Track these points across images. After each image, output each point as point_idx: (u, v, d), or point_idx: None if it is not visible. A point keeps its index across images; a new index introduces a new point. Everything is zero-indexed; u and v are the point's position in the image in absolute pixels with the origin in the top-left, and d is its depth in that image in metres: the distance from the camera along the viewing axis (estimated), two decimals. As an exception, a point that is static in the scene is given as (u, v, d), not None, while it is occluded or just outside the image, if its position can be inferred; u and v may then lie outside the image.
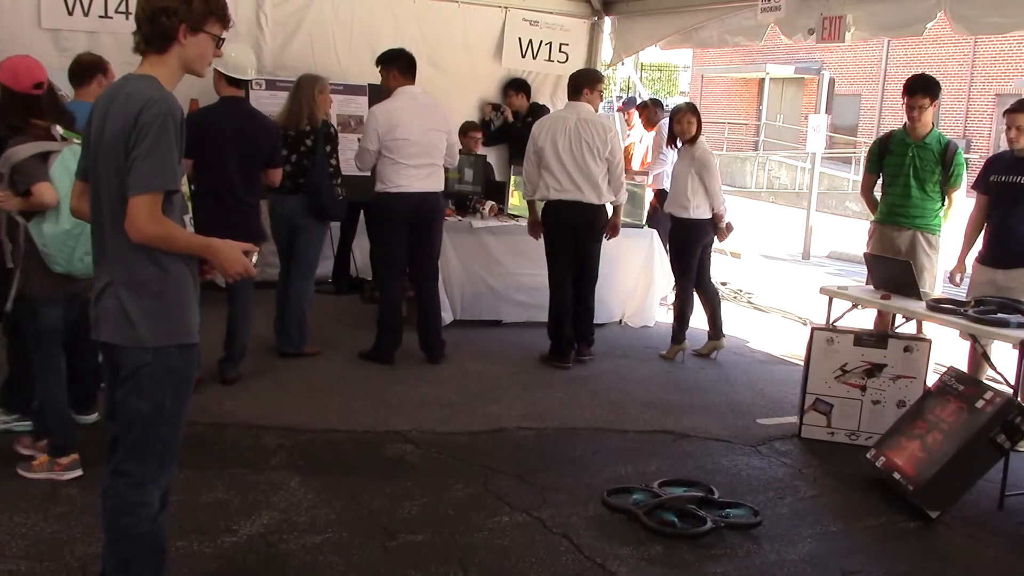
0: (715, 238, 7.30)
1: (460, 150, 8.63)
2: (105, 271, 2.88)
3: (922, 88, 6.09)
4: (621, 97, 13.92)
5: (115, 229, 2.81)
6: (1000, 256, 5.76)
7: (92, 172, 2.89)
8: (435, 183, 6.49)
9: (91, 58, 5.36)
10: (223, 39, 2.99)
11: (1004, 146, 5.89)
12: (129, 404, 2.88)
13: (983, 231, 5.93)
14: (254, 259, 3.00)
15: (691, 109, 7.27)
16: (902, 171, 6.20)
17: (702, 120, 7.20)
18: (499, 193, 8.39)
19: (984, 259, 5.86)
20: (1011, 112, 5.69)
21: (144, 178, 2.72)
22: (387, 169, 6.32)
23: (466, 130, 8.84)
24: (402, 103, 6.38)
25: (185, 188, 3.08)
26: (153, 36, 2.86)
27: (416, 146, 6.32)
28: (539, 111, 9.26)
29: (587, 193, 6.63)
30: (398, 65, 6.45)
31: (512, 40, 9.50)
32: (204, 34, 2.89)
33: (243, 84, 5.81)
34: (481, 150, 8.84)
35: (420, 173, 6.37)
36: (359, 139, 6.71)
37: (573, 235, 6.75)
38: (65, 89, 7.40)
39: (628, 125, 9.76)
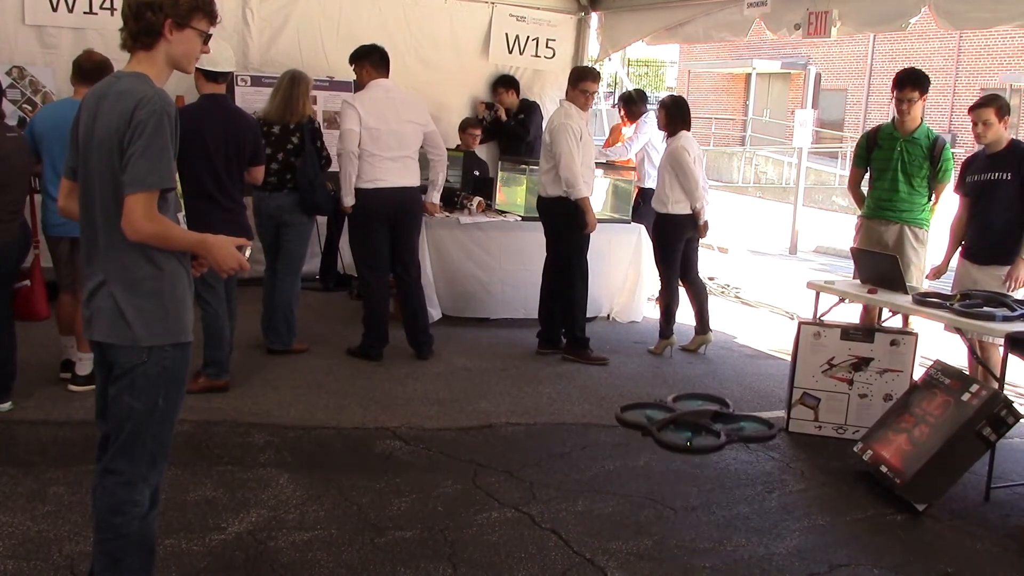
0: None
1: (458, 146, 8.68)
2: (98, 270, 2.87)
3: (911, 82, 6.13)
4: (612, 93, 13.92)
5: (109, 228, 2.79)
6: (977, 252, 5.85)
7: (82, 170, 2.87)
8: (412, 177, 6.46)
9: (102, 57, 5.28)
10: (210, 35, 2.96)
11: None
12: (122, 402, 2.87)
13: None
14: (247, 253, 3.00)
15: (661, 101, 7.32)
16: (890, 166, 6.23)
17: (679, 115, 7.13)
18: (488, 189, 8.39)
19: (965, 254, 5.95)
20: (975, 108, 5.75)
21: (140, 176, 2.71)
22: (362, 163, 6.28)
23: (465, 127, 8.85)
24: (374, 95, 6.36)
25: (178, 186, 3.07)
26: (139, 32, 2.84)
27: (391, 138, 6.29)
28: (529, 107, 9.28)
29: None
30: (371, 60, 6.43)
31: (499, 36, 9.50)
32: (190, 30, 2.87)
33: (222, 80, 5.73)
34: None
35: (396, 166, 6.33)
36: None
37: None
38: (51, 85, 7.49)
39: (623, 122, 9.74)
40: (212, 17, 2.94)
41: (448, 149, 8.52)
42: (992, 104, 5.69)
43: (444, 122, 9.16)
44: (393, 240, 6.48)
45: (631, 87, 11.14)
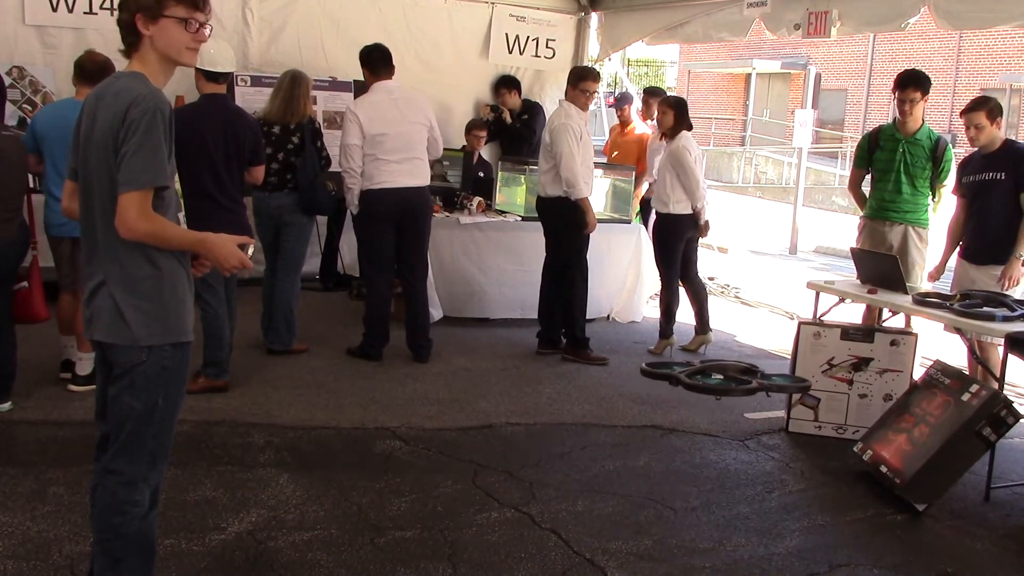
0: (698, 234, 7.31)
1: (463, 147, 8.69)
2: (98, 270, 2.87)
3: (913, 82, 6.15)
4: (612, 93, 13.89)
5: (107, 227, 2.79)
6: (974, 252, 5.88)
7: (82, 171, 2.87)
8: (419, 178, 6.45)
9: (104, 58, 5.27)
10: (196, 21, 2.84)
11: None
12: (122, 402, 2.87)
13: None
14: (250, 252, 2.98)
15: (666, 100, 7.28)
16: (892, 167, 6.25)
17: (686, 115, 7.13)
18: (489, 189, 8.39)
19: (963, 254, 5.98)
20: (967, 112, 5.77)
21: (133, 175, 2.70)
22: (368, 166, 6.28)
23: (470, 128, 8.85)
24: (377, 98, 6.35)
25: (178, 186, 3.05)
26: (123, 33, 2.84)
27: (396, 140, 6.28)
28: (532, 108, 9.28)
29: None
30: (370, 61, 6.42)
31: (499, 36, 9.50)
32: (165, 19, 2.80)
33: (223, 80, 5.72)
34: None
35: (402, 168, 6.33)
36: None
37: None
38: (51, 85, 7.49)
39: (621, 124, 9.72)
40: (189, 2, 2.83)
41: (450, 149, 8.57)
42: (983, 107, 5.70)
43: (445, 122, 9.14)
44: (399, 241, 6.48)
45: (631, 87, 11.15)
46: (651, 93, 9.52)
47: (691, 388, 4.06)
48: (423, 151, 6.47)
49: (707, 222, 7.20)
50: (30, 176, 5.34)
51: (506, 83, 9.29)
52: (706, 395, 4.10)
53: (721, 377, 4.15)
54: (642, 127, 9.37)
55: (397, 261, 6.58)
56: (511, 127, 9.16)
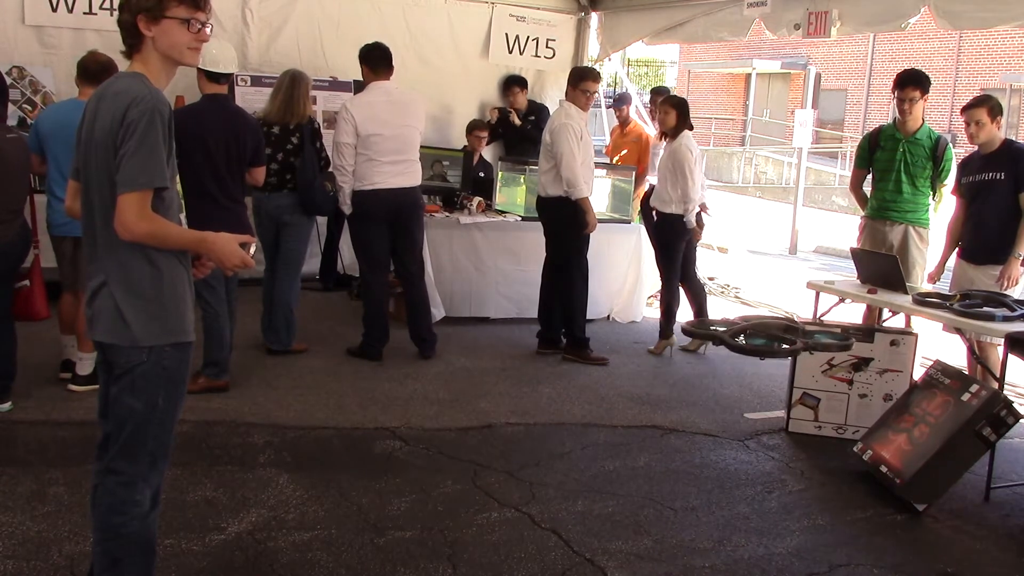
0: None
1: (465, 147, 8.69)
2: (99, 270, 2.87)
3: (913, 81, 6.15)
4: (612, 93, 13.89)
5: (107, 228, 2.79)
6: (973, 252, 5.88)
7: (83, 171, 2.87)
8: (411, 179, 6.45)
9: (107, 58, 5.27)
10: (198, 21, 2.84)
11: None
12: (122, 402, 2.87)
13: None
14: (251, 251, 2.97)
15: (668, 99, 7.27)
16: (893, 166, 6.25)
17: (688, 115, 7.14)
18: (489, 190, 8.38)
19: (962, 254, 5.98)
20: (968, 108, 5.77)
21: (131, 176, 2.70)
22: (361, 166, 6.29)
23: (471, 128, 8.83)
24: (374, 98, 6.35)
25: (179, 186, 3.05)
26: (124, 35, 2.84)
27: (390, 142, 6.29)
28: (538, 109, 9.28)
29: None
30: (370, 61, 6.42)
31: (499, 36, 9.50)
32: (167, 20, 2.79)
33: (224, 80, 5.73)
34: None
35: (395, 169, 6.33)
36: None
37: None
38: (51, 86, 7.49)
39: (620, 124, 9.71)
40: (191, 2, 2.82)
41: (451, 149, 8.56)
42: (984, 104, 5.71)
43: (445, 122, 9.17)
44: (394, 240, 6.48)
45: (631, 87, 11.13)
46: (659, 93, 9.52)
47: (734, 349, 4.02)
48: (416, 153, 6.49)
49: (697, 227, 7.14)
50: (31, 176, 5.34)
51: (517, 82, 9.28)
52: (750, 356, 4.06)
53: (764, 340, 4.10)
54: (647, 127, 9.37)
55: (393, 260, 6.59)
56: (521, 128, 9.15)
